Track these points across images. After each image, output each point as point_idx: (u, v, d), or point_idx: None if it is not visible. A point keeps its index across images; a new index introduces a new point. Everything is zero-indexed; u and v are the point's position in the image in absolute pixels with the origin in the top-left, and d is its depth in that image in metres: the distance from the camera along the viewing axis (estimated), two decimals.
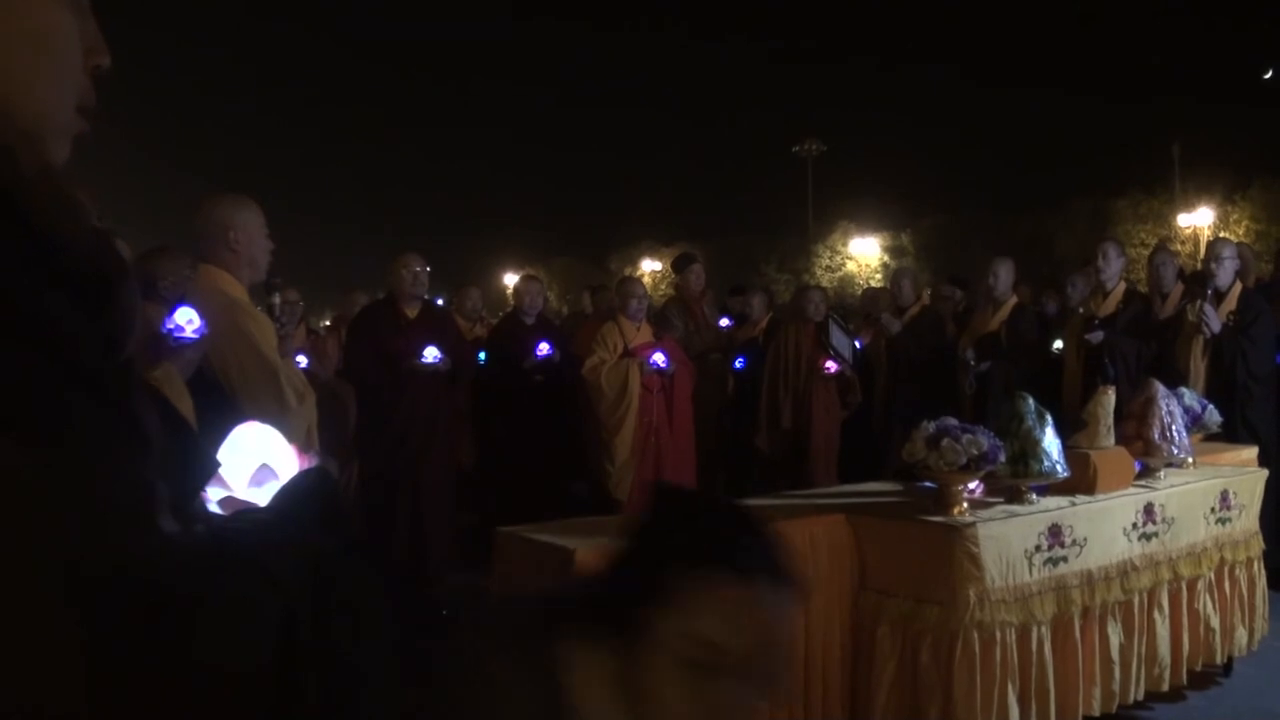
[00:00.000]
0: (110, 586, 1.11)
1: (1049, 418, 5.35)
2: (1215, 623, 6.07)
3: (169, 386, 4.03)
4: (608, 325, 9.43)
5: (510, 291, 13.20)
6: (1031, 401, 5.36)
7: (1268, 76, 54.36)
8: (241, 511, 1.58)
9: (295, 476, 1.68)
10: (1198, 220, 44.97)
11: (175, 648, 1.15)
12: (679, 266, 12.25)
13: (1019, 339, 9.88)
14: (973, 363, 9.70)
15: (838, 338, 10.26)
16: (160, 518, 1.24)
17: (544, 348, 9.55)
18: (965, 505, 5.03)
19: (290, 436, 4.84)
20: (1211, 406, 6.86)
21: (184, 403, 4.02)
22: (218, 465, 1.65)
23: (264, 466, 1.78)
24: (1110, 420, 5.86)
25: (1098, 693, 5.38)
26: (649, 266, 57.34)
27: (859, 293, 27.06)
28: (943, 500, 5.03)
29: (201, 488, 1.54)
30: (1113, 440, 5.83)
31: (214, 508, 1.61)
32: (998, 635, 4.86)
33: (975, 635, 4.81)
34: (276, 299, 5.39)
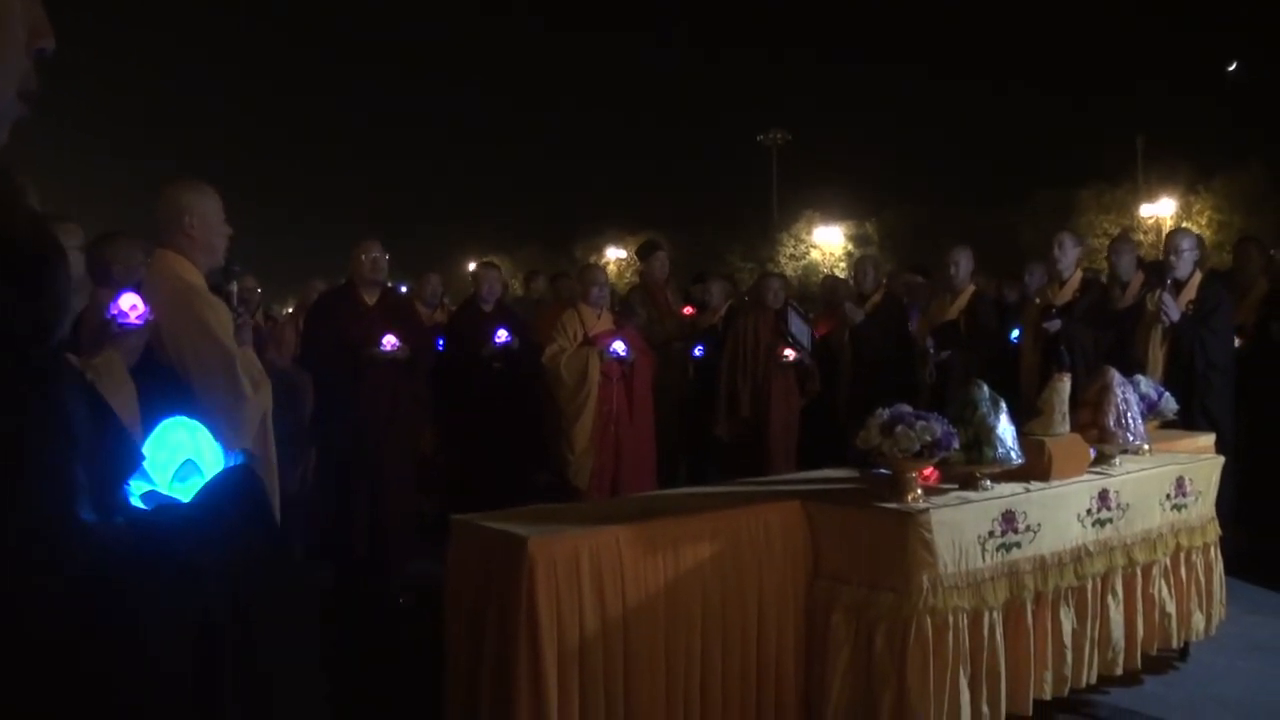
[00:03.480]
0: (27, 571, 1.09)
1: (1003, 405, 5.36)
2: (1171, 608, 6.10)
3: (110, 373, 3.98)
4: (568, 313, 9.41)
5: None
6: (986, 389, 5.37)
7: (1231, 69, 54.73)
8: (164, 505, 1.56)
9: (220, 473, 1.66)
10: (1160, 211, 45.30)
11: (94, 636, 1.13)
12: (643, 254, 12.25)
13: (979, 327, 9.90)
14: (932, 351, 9.71)
15: (796, 325, 10.25)
16: (79, 506, 1.21)
17: (502, 335, 9.50)
18: (919, 492, 5.04)
19: (245, 424, 4.83)
20: (1168, 394, 6.89)
21: (125, 390, 3.98)
22: (142, 458, 1.62)
23: (189, 461, 1.76)
24: (1065, 408, 5.87)
25: (1049, 676, 5.40)
26: (614, 254, 57.30)
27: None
28: (897, 487, 5.04)
29: (125, 480, 1.52)
30: (1068, 428, 5.85)
31: (136, 501, 1.58)
32: (950, 621, 4.87)
33: (928, 621, 4.82)
34: (234, 287, 5.38)
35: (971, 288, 10.17)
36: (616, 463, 9.13)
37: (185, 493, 1.64)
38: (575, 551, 4.52)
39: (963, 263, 10.06)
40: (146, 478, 1.65)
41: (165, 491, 1.66)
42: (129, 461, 1.51)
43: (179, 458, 1.73)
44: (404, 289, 14.72)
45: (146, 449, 1.69)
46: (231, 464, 1.74)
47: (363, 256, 8.50)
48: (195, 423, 1.82)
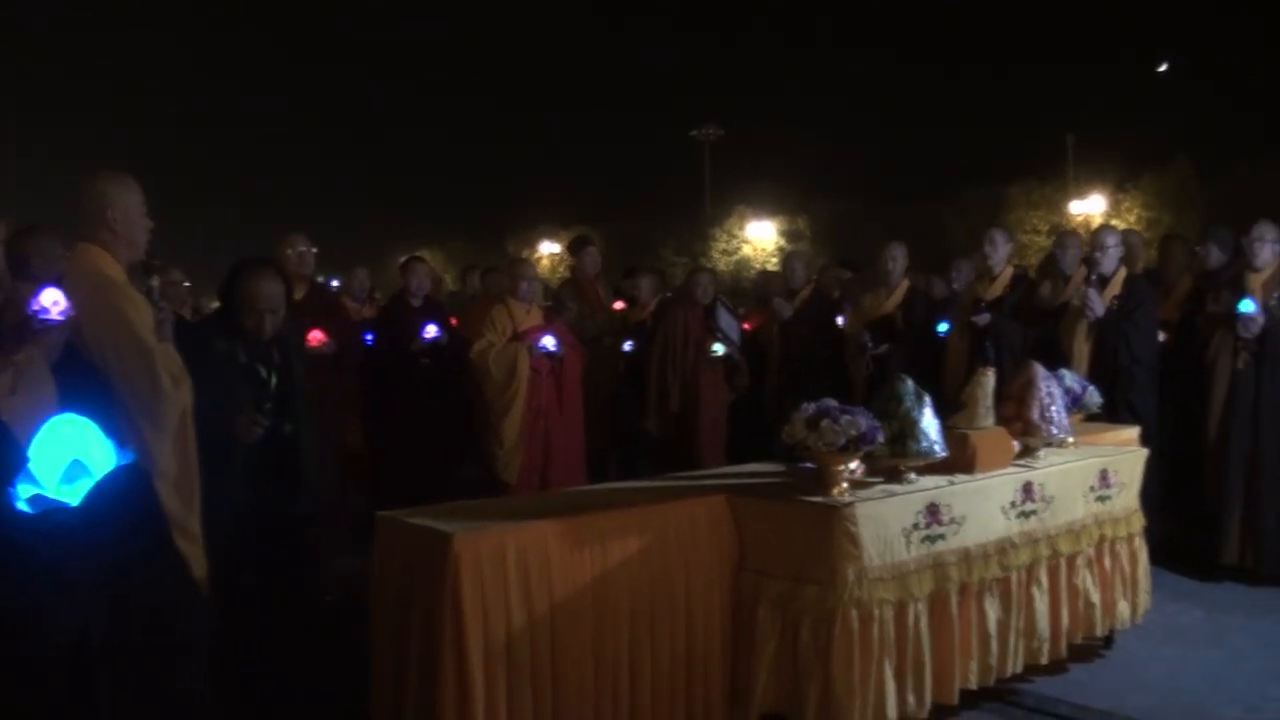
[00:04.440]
0: None
1: (928, 399, 5.39)
2: (1096, 597, 6.17)
3: (31, 370, 3.92)
4: (497, 308, 9.34)
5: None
6: (910, 383, 5.40)
7: (1162, 69, 55.26)
8: (49, 511, 1.51)
9: (107, 475, 1.61)
10: (1090, 208, 45.61)
11: None
12: (574, 249, 12.23)
13: (915, 322, 9.97)
14: (870, 346, 9.75)
15: (725, 320, 10.27)
16: None
17: (431, 330, 9.44)
18: (845, 485, 5.06)
19: (165, 420, 4.75)
20: (1092, 388, 6.98)
21: (46, 387, 3.91)
22: (26, 460, 1.58)
23: (76, 462, 1.71)
24: (990, 401, 5.93)
25: (974, 666, 5.44)
26: (547, 249, 57.11)
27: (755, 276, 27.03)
28: (822, 481, 5.06)
29: (8, 484, 1.47)
30: (992, 421, 5.90)
31: (22, 505, 1.53)
32: (875, 613, 4.91)
33: (854, 614, 4.85)
34: (155, 281, 5.32)
35: (906, 283, 10.24)
36: (546, 458, 9.10)
37: (73, 495, 1.59)
38: (502, 547, 4.50)
39: (899, 258, 10.14)
40: (33, 480, 1.60)
41: (52, 495, 1.61)
42: (12, 465, 1.47)
43: (67, 457, 1.68)
44: (335, 284, 14.59)
45: (33, 450, 1.64)
46: (121, 464, 1.70)
47: (289, 251, 8.41)
48: (84, 420, 1.77)
